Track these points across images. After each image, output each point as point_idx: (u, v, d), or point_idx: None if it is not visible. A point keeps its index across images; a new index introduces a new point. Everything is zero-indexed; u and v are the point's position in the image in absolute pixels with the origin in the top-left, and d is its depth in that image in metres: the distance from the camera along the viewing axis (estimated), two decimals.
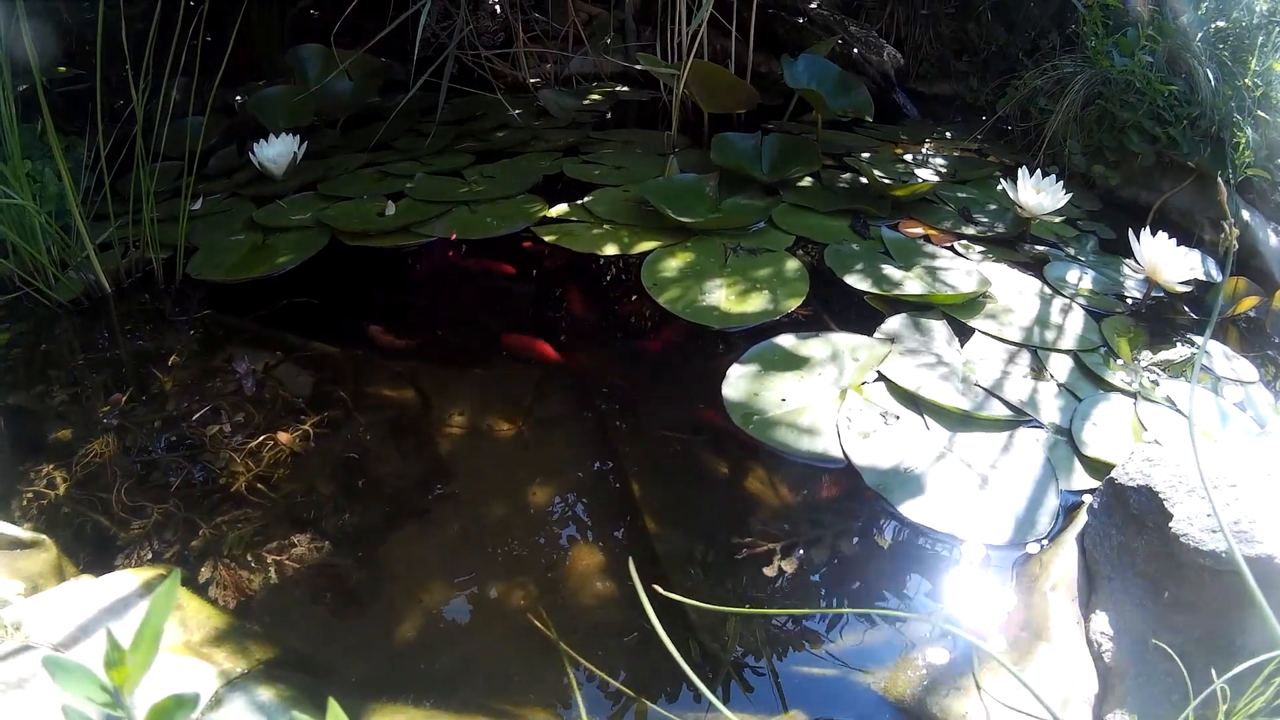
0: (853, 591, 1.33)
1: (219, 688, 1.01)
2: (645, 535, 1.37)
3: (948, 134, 3.07)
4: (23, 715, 0.90)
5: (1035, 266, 2.15)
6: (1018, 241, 2.28)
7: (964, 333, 1.86)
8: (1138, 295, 2.05)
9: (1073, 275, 2.11)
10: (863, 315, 1.91)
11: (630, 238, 2.19)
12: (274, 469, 1.46)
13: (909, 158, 2.79)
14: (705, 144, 2.64)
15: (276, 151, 2.39)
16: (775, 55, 2.94)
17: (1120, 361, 1.78)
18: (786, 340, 1.79)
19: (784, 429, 1.56)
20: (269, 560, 1.30)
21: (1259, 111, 2.31)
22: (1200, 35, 2.40)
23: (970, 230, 2.31)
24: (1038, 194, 2.19)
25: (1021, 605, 1.25)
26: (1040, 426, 1.60)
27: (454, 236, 2.19)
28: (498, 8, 3.42)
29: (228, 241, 2.15)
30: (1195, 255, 2.05)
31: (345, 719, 0.53)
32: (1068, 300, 2.00)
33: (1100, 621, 1.18)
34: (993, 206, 2.45)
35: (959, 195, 2.52)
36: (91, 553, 1.30)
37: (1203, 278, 2.05)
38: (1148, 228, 1.97)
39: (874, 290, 1.98)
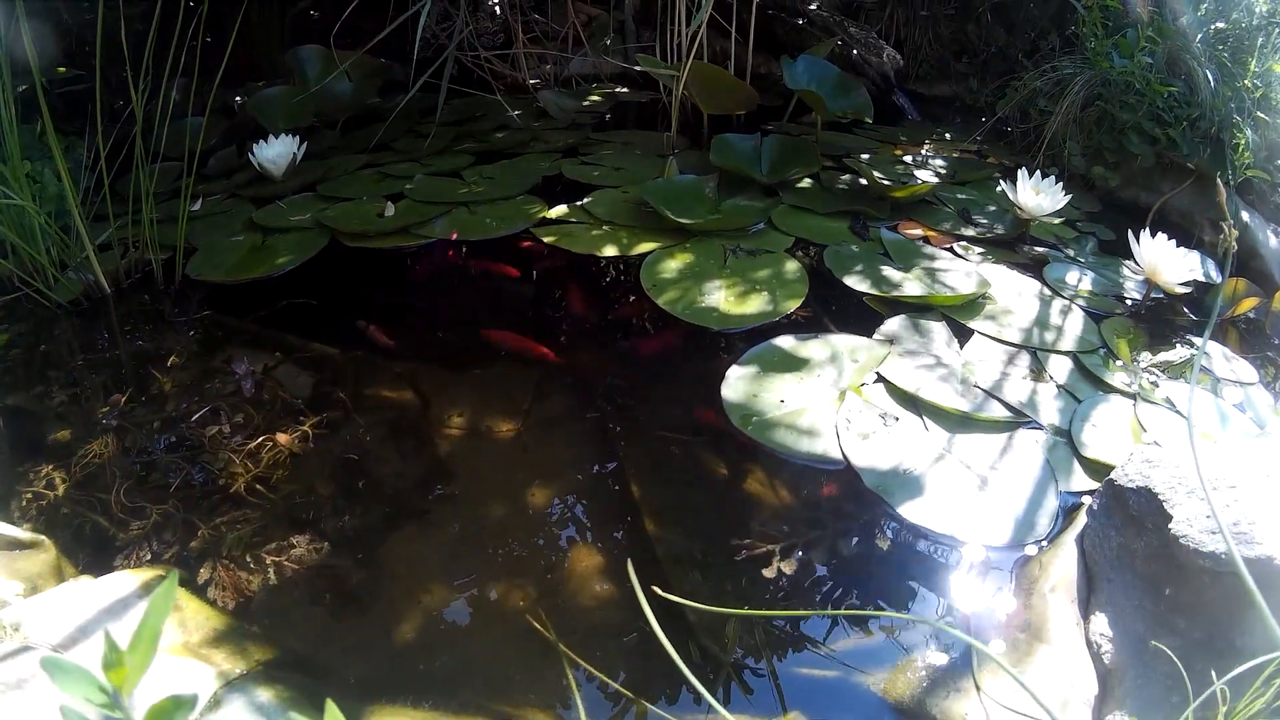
0: (852, 593, 1.33)
1: (218, 689, 1.01)
2: (645, 536, 1.37)
3: (947, 135, 3.07)
4: (22, 716, 0.89)
5: (1035, 268, 2.15)
6: (1017, 243, 2.28)
7: (963, 334, 1.86)
8: (1137, 296, 2.05)
9: (1072, 276, 2.12)
10: (862, 317, 1.91)
11: (629, 239, 2.19)
12: (273, 470, 1.46)
13: (908, 159, 2.79)
14: (705, 145, 2.64)
15: (276, 152, 2.39)
16: (775, 56, 2.94)
17: (1120, 363, 1.78)
18: (785, 342, 1.79)
19: (783, 430, 1.56)
20: (268, 561, 1.29)
21: (1258, 113, 2.31)
22: (1200, 37, 2.40)
23: (970, 231, 2.31)
24: (1037, 195, 2.19)
25: (1021, 607, 1.25)
26: (1040, 428, 1.60)
27: (454, 236, 2.20)
28: (497, 9, 3.43)
29: (227, 242, 2.15)
30: (1195, 256, 2.05)
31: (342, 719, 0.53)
32: (1067, 301, 2.00)
33: (1100, 623, 1.18)
34: (992, 208, 2.45)
35: (958, 197, 2.52)
36: (91, 553, 1.30)
37: (1202, 279, 2.05)
38: (1147, 229, 1.97)
39: (873, 292, 1.98)
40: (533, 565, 1.32)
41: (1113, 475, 1.29)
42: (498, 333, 1.86)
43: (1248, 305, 2.00)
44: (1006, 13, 3.29)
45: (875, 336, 1.82)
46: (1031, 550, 1.35)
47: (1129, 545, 1.22)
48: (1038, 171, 2.26)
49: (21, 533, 1.25)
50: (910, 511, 1.40)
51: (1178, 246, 1.92)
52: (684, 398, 1.69)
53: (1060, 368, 1.76)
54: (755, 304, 1.92)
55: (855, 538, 1.39)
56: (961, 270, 2.09)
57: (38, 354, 1.76)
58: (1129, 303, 2.04)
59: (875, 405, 1.63)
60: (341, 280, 2.06)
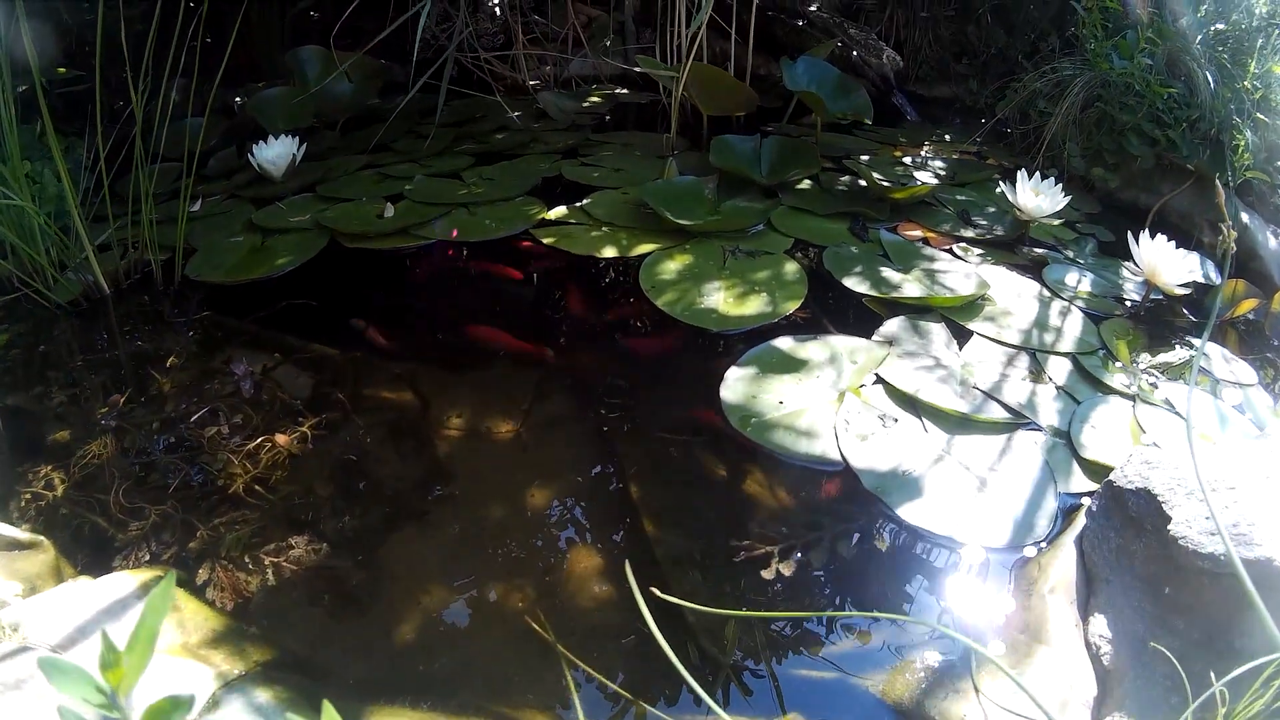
0: (851, 594, 1.33)
1: (216, 689, 1.01)
2: (644, 537, 1.37)
3: (947, 136, 3.08)
4: (21, 716, 0.89)
5: (1034, 269, 2.15)
6: (1016, 244, 2.28)
7: (962, 335, 1.86)
8: (1136, 298, 2.05)
9: (1071, 278, 2.12)
10: (861, 318, 1.91)
11: (629, 240, 2.20)
12: (272, 471, 1.46)
13: (908, 160, 2.79)
14: (704, 146, 2.64)
15: (276, 153, 2.39)
16: (774, 58, 2.94)
17: (1119, 364, 1.78)
18: (785, 343, 1.79)
19: (782, 431, 1.56)
20: (267, 562, 1.29)
21: (1258, 114, 2.31)
22: (1200, 38, 2.41)
23: (969, 233, 2.32)
24: (1037, 197, 2.19)
25: (1020, 608, 1.25)
26: (1039, 429, 1.60)
27: (454, 235, 2.20)
28: (497, 10, 3.43)
29: (227, 243, 2.15)
30: (1194, 258, 2.05)
31: None
32: (1066, 303, 2.00)
33: (1099, 624, 1.18)
34: (992, 209, 2.46)
35: (958, 198, 2.52)
36: (89, 554, 1.30)
37: (1202, 280, 2.05)
38: (1147, 230, 1.97)
39: (872, 293, 1.98)
40: (532, 566, 1.32)
41: (1112, 477, 1.29)
42: (483, 329, 1.87)
43: (1247, 307, 2.00)
44: (1006, 14, 3.29)
45: (874, 338, 1.82)
46: (1030, 552, 1.35)
47: (1128, 546, 1.22)
48: (1037, 173, 2.26)
49: (20, 533, 1.25)
50: (909, 513, 1.40)
51: (1177, 248, 1.92)
52: (683, 399, 1.69)
53: (1059, 369, 1.76)
54: (754, 305, 1.92)
55: (854, 539, 1.39)
56: (961, 272, 2.09)
57: (37, 354, 1.76)
58: (1128, 304, 2.04)
59: (874, 406, 1.63)
60: (341, 281, 2.06)
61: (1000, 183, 2.37)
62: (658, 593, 1.09)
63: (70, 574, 1.23)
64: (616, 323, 1.96)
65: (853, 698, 1.15)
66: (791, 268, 2.07)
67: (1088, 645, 1.18)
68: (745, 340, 1.82)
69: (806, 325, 1.88)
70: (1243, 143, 2.27)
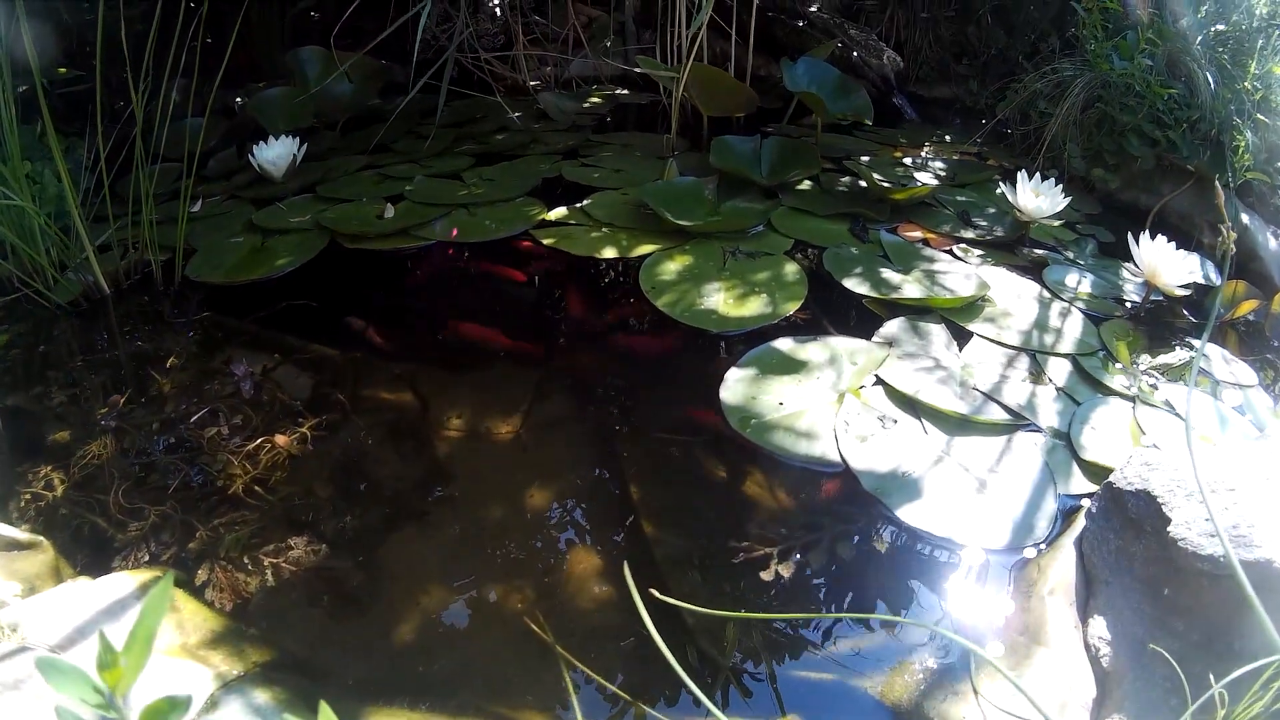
0: (850, 596, 1.33)
1: (215, 690, 1.01)
2: (643, 538, 1.37)
3: (947, 137, 3.08)
4: (20, 716, 0.89)
5: (1034, 270, 2.15)
6: (1017, 245, 2.28)
7: (962, 336, 1.86)
8: (1137, 299, 2.05)
9: (1071, 279, 2.11)
10: (861, 319, 1.91)
11: (629, 241, 2.20)
12: (271, 471, 1.46)
13: (908, 161, 2.79)
14: (704, 147, 2.64)
15: (276, 153, 2.39)
16: (775, 58, 2.94)
17: (1119, 365, 1.78)
18: (784, 344, 1.79)
19: (781, 433, 1.56)
20: (266, 563, 1.29)
21: (1258, 115, 2.31)
22: (1200, 39, 2.40)
23: (969, 234, 2.31)
24: (1037, 197, 2.19)
25: (1019, 610, 1.25)
26: (1038, 430, 1.59)
27: (455, 235, 2.20)
28: (498, 10, 3.43)
29: (227, 243, 2.15)
30: (1194, 259, 2.05)
31: None
32: (1066, 304, 2.00)
33: (1098, 626, 1.18)
34: (992, 210, 2.46)
35: (958, 199, 2.52)
36: (89, 554, 1.30)
37: (1202, 281, 2.05)
38: (1147, 231, 1.97)
39: (872, 294, 1.98)
40: (531, 567, 1.32)
41: (1111, 478, 1.29)
42: (470, 327, 1.88)
43: (1247, 308, 2.00)
44: (1007, 15, 3.29)
45: (874, 339, 1.82)
46: (1030, 553, 1.35)
47: (1128, 548, 1.22)
48: (1037, 174, 2.25)
49: (20, 533, 1.25)
50: (909, 514, 1.40)
51: (1177, 249, 1.92)
52: (682, 400, 1.69)
53: (1059, 370, 1.76)
54: (754, 306, 1.92)
55: (853, 540, 1.39)
56: (961, 273, 2.09)
57: (37, 355, 1.77)
58: (1128, 305, 2.04)
59: (874, 408, 1.63)
60: (341, 282, 2.06)
61: (1000, 183, 2.37)
62: (657, 594, 1.09)
63: (69, 574, 1.23)
64: (616, 323, 1.96)
65: (852, 699, 1.15)
66: (791, 269, 2.07)
67: (1087, 647, 1.18)
68: (745, 341, 1.82)
69: (806, 326, 1.88)
70: (1243, 144, 2.26)
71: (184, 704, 0.54)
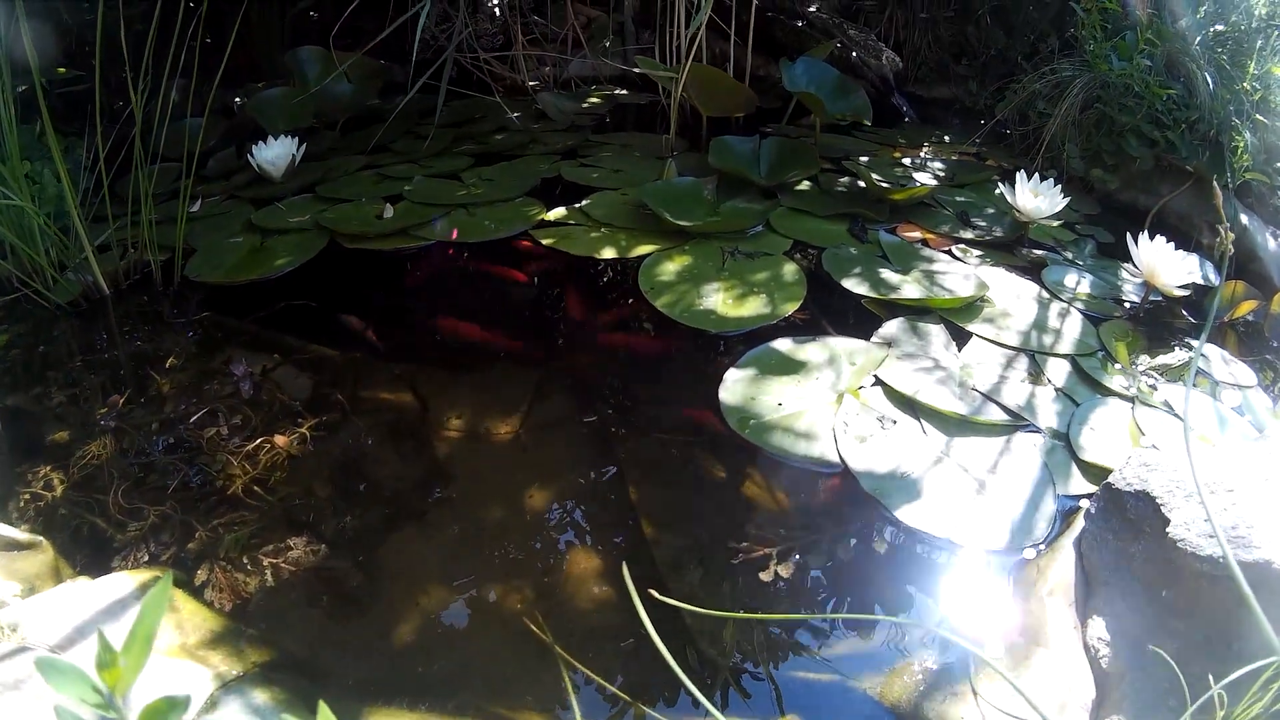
0: (849, 596, 1.33)
1: (214, 690, 1.01)
2: (642, 539, 1.37)
3: (946, 138, 3.08)
4: (19, 716, 0.89)
5: (1033, 270, 2.15)
6: (1016, 245, 2.28)
7: (961, 337, 1.86)
8: (1136, 299, 2.05)
9: (1070, 279, 2.12)
10: (860, 319, 1.91)
11: (628, 241, 2.20)
12: (271, 471, 1.46)
13: (907, 161, 2.80)
14: (703, 147, 2.64)
15: (275, 153, 2.39)
16: (774, 59, 2.94)
17: (1118, 366, 1.79)
18: (783, 344, 1.79)
19: (780, 433, 1.56)
20: (265, 563, 1.29)
21: (1257, 115, 2.31)
22: (1199, 39, 2.41)
23: (968, 234, 2.32)
24: (1036, 198, 2.19)
25: (1018, 610, 1.25)
26: (1038, 431, 1.60)
27: (454, 235, 2.20)
28: (497, 10, 3.43)
29: (226, 243, 2.15)
30: (1193, 259, 2.05)
31: None
32: (1065, 304, 2.00)
33: (1097, 627, 1.18)
34: (991, 210, 2.46)
35: (957, 199, 2.52)
36: (88, 554, 1.30)
37: (1201, 282, 2.05)
38: (1146, 232, 1.97)
39: (871, 294, 1.98)
40: (531, 567, 1.32)
41: (1110, 479, 1.29)
42: (454, 322, 1.90)
43: (1246, 308, 2.00)
44: (1006, 15, 3.29)
45: (873, 339, 1.82)
46: (1029, 554, 1.35)
47: (1127, 549, 1.22)
48: (1036, 174, 2.26)
49: (19, 533, 1.25)
50: (908, 515, 1.40)
51: (1176, 249, 1.92)
52: (681, 400, 1.69)
53: (1058, 371, 1.76)
54: (753, 306, 1.92)
55: (852, 541, 1.39)
56: (960, 273, 2.09)
57: (36, 355, 1.76)
58: (1127, 305, 2.04)
59: (873, 408, 1.63)
60: (340, 282, 2.06)
61: (999, 184, 2.37)
62: (656, 594, 1.09)
63: (69, 574, 1.23)
64: (615, 324, 1.96)
65: (851, 700, 1.15)
66: (790, 269, 2.07)
67: (1086, 648, 1.18)
68: (744, 342, 1.82)
69: (805, 327, 1.88)
70: (1242, 144, 2.27)
71: (183, 704, 0.54)
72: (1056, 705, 1.08)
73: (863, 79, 3.10)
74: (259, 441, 1.51)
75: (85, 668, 0.53)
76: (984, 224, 2.38)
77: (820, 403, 1.64)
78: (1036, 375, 1.75)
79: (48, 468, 1.45)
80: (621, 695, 1.13)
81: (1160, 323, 1.99)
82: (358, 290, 2.04)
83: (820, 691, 1.16)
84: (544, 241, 2.19)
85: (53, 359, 1.75)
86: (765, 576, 1.30)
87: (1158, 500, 1.17)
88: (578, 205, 2.37)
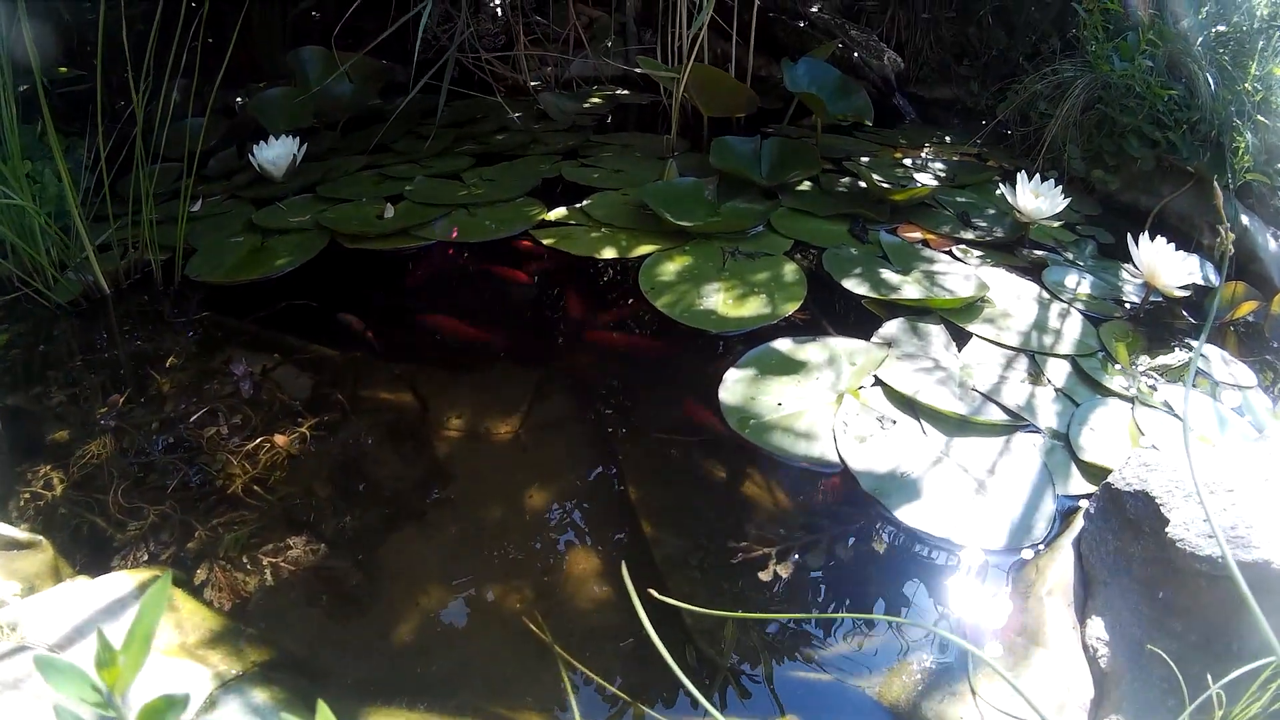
0: (849, 596, 1.33)
1: (213, 689, 1.01)
2: (642, 539, 1.37)
3: (947, 138, 3.08)
4: (19, 716, 0.90)
5: (1033, 271, 2.15)
6: (1016, 246, 2.28)
7: (962, 337, 1.86)
8: (1136, 300, 2.05)
9: (1071, 280, 2.12)
10: (860, 320, 1.91)
11: (629, 241, 2.20)
12: (271, 471, 1.46)
13: (908, 162, 2.79)
14: (704, 148, 2.64)
15: (276, 153, 2.40)
16: (775, 59, 2.94)
17: (1118, 366, 1.78)
18: (783, 344, 1.79)
19: (780, 433, 1.56)
20: (265, 562, 1.30)
21: (1259, 116, 2.31)
22: (1200, 40, 2.41)
23: (969, 235, 2.31)
24: (1036, 198, 2.19)
25: (1017, 610, 1.25)
26: (1037, 431, 1.60)
27: (455, 235, 2.20)
28: (498, 10, 3.43)
29: (227, 243, 2.15)
30: (1194, 260, 2.05)
31: None
32: (1066, 305, 2.00)
33: (1096, 626, 1.18)
34: (991, 211, 2.46)
35: (958, 200, 2.52)
36: (88, 554, 1.30)
37: (1201, 282, 2.05)
38: (1146, 232, 1.97)
39: (872, 295, 1.98)
40: (530, 567, 1.32)
41: (1110, 479, 1.29)
42: (441, 318, 1.91)
43: (1246, 309, 2.00)
44: (1007, 16, 3.29)
45: (873, 339, 1.82)
46: (1028, 554, 1.35)
47: (1126, 549, 1.22)
48: (1037, 175, 2.26)
49: (19, 533, 1.25)
50: (907, 515, 1.40)
51: (1177, 250, 1.92)
52: (682, 400, 1.69)
53: (1058, 371, 1.76)
54: (753, 307, 1.92)
55: (852, 541, 1.39)
56: (960, 273, 2.09)
57: (37, 354, 1.77)
58: (1128, 306, 2.04)
59: (873, 408, 1.63)
60: (341, 282, 2.06)
61: (1000, 184, 2.37)
62: (655, 594, 1.10)
63: (69, 574, 1.23)
64: (616, 324, 1.96)
65: (850, 700, 1.15)
66: (791, 269, 2.07)
67: (1085, 648, 1.18)
68: (744, 342, 1.82)
69: (805, 327, 1.88)
70: (1243, 145, 2.27)
71: (181, 703, 0.54)
72: (1055, 705, 1.08)
73: (864, 79, 3.10)
74: (259, 441, 1.51)
75: (85, 667, 0.53)
76: (985, 224, 2.38)
77: (820, 403, 1.64)
78: (1036, 375, 1.75)
79: (48, 467, 1.45)
80: (621, 695, 1.13)
81: (1160, 323, 1.99)
82: (358, 290, 2.04)
83: (819, 691, 1.16)
84: (545, 241, 2.19)
85: (53, 358, 1.76)
86: (765, 576, 1.30)
87: (1157, 500, 1.17)
88: (578, 205, 2.38)
